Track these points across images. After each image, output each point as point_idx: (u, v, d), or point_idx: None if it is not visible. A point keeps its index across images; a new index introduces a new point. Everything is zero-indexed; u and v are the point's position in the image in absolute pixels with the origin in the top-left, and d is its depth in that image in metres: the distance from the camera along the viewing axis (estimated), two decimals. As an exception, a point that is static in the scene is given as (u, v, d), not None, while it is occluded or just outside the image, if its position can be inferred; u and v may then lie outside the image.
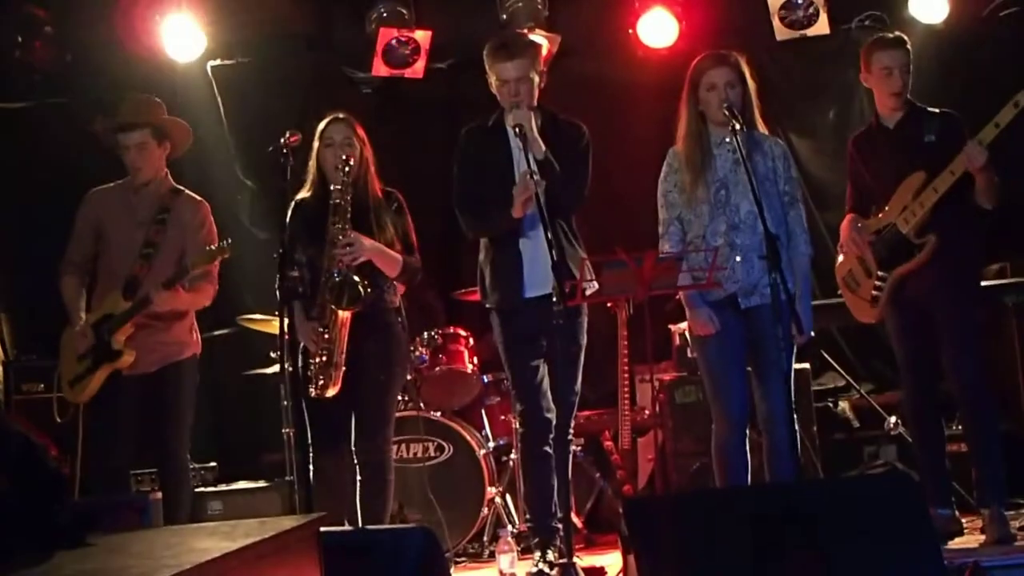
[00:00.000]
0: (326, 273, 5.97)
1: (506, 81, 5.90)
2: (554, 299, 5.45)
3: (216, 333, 7.06)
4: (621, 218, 7.13)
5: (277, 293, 5.94)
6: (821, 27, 7.76)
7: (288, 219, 6.08)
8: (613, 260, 5.49)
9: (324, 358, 5.96)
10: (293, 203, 6.15)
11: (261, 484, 7.20)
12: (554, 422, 5.91)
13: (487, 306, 6.16)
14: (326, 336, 5.96)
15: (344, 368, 5.98)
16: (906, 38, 6.23)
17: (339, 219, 5.99)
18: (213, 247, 6.25)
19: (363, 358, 6.07)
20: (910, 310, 6.15)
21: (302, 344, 6.00)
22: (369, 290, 5.95)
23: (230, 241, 6.23)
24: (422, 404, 7.26)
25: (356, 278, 5.92)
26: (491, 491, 7.09)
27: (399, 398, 6.90)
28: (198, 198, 6.55)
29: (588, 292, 5.70)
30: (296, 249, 6.07)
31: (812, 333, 5.93)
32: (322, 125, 6.19)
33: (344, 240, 5.97)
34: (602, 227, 6.34)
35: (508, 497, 7.27)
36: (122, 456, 6.38)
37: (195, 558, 2.94)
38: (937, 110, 6.21)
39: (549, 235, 5.53)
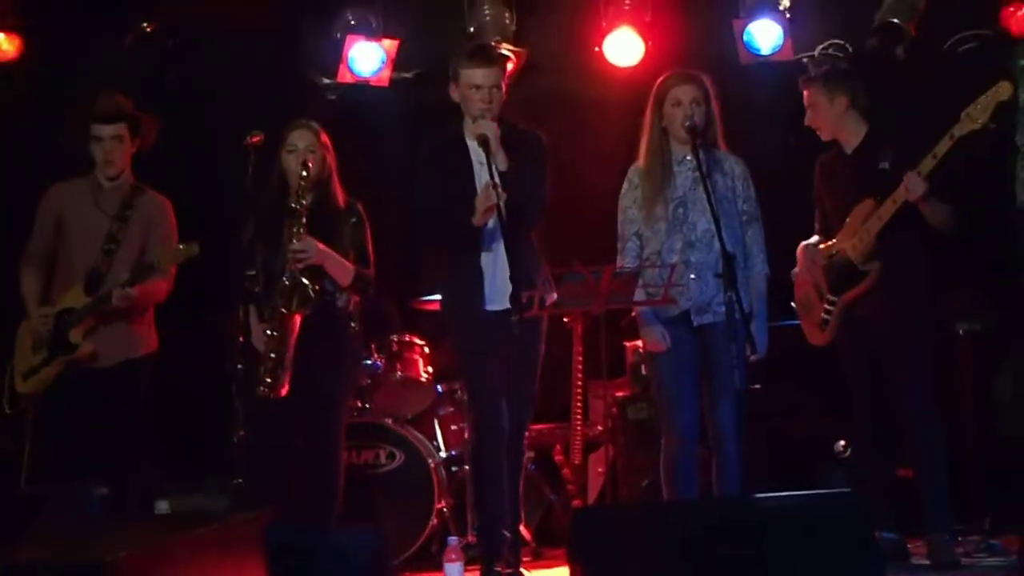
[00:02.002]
0: (279, 275, 5.97)
1: (479, 87, 5.90)
2: (511, 309, 5.48)
3: (169, 331, 7.01)
4: (583, 233, 7.13)
5: (239, 304, 6.01)
6: (784, 52, 7.83)
7: (248, 221, 6.11)
8: (571, 273, 5.52)
9: (273, 357, 5.95)
10: (255, 209, 6.16)
11: (209, 484, 7.15)
12: (507, 431, 5.92)
13: (449, 316, 6.17)
14: (276, 338, 5.96)
15: (292, 371, 5.97)
16: (818, 73, 6.36)
17: (294, 222, 5.99)
18: (181, 246, 6.26)
19: (314, 363, 6.07)
20: (860, 336, 6.21)
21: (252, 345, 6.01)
22: (318, 289, 5.95)
23: (198, 244, 6.23)
24: (375, 411, 7.26)
25: (306, 281, 5.93)
26: (440, 501, 7.08)
27: (352, 403, 6.91)
28: (161, 196, 6.58)
29: (547, 303, 5.72)
30: (253, 250, 6.08)
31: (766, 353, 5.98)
32: (285, 131, 6.20)
33: (297, 244, 5.97)
34: (564, 242, 6.34)
35: (457, 507, 7.25)
36: (71, 450, 6.36)
37: (140, 544, 2.93)
38: (894, 138, 6.28)
39: (509, 245, 5.56)
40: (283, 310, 5.95)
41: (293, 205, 6.01)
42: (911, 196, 5.92)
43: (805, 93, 6.33)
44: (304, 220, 6.00)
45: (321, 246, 6.04)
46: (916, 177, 5.89)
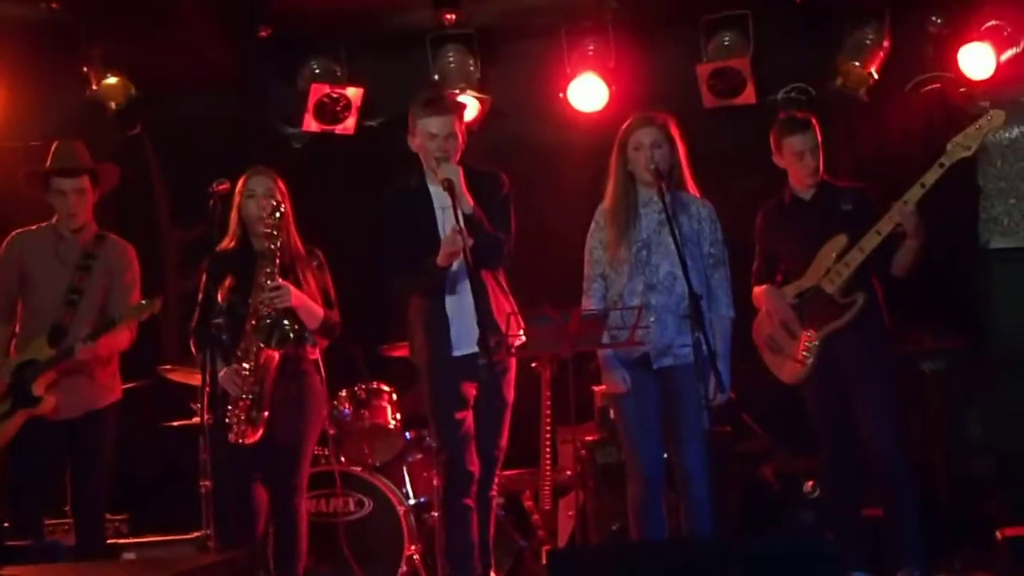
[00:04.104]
0: (254, 316, 5.96)
1: (434, 136, 5.90)
2: (479, 353, 5.47)
3: (135, 384, 6.97)
4: (548, 278, 7.15)
5: (193, 340, 5.99)
6: (748, 96, 7.89)
7: (209, 268, 6.10)
8: (539, 315, 5.51)
9: (248, 400, 5.93)
10: (214, 254, 6.14)
11: (176, 536, 7.11)
12: (476, 476, 5.89)
13: (416, 362, 6.15)
14: (251, 378, 5.94)
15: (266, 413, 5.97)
16: (812, 119, 6.35)
17: (267, 264, 5.99)
18: (143, 302, 6.26)
19: (279, 410, 6.05)
20: (827, 376, 6.23)
21: (221, 391, 5.96)
22: (296, 328, 5.94)
23: (159, 299, 6.22)
24: (343, 458, 7.22)
25: (286, 321, 5.92)
26: (410, 548, 7.04)
27: (319, 452, 6.87)
28: (124, 242, 6.56)
29: (514, 346, 5.71)
30: (217, 298, 6.05)
31: (732, 395, 5.99)
32: (243, 177, 6.22)
33: (272, 284, 5.97)
34: (530, 286, 6.35)
35: (427, 554, 7.21)
36: (36, 502, 6.32)
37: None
38: (847, 184, 6.35)
39: (476, 288, 5.56)
40: (262, 345, 5.93)
41: (268, 245, 6.01)
42: (907, 225, 5.99)
43: (803, 138, 6.28)
44: (277, 262, 6.00)
45: (294, 289, 6.04)
46: (904, 206, 5.97)
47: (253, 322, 5.97)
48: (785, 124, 6.39)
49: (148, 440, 7.71)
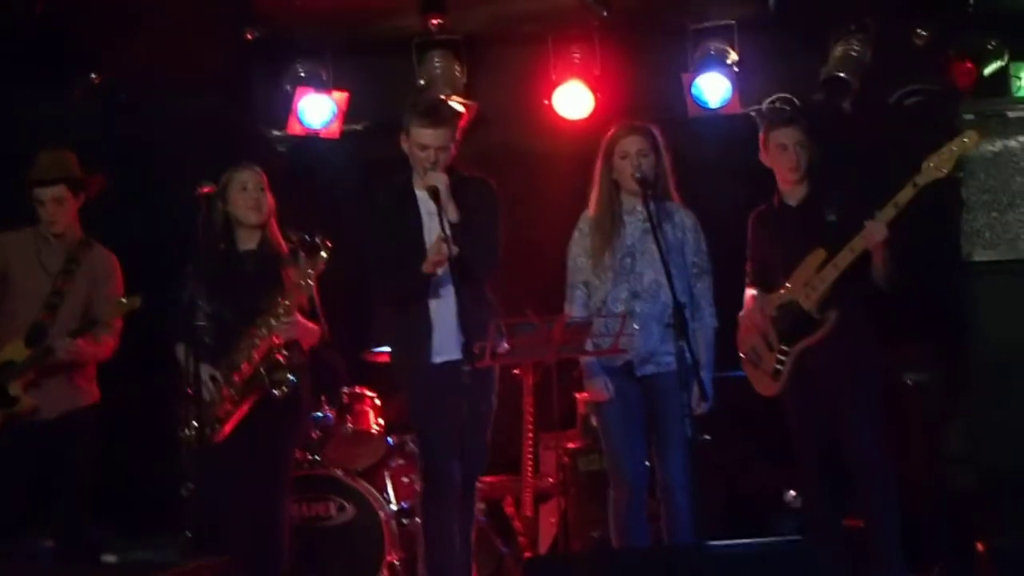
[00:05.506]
0: (256, 349, 5.99)
1: (426, 147, 5.87)
2: (463, 359, 5.47)
3: (118, 385, 6.95)
4: (533, 284, 7.15)
5: (171, 331, 5.95)
6: (733, 106, 7.91)
7: (195, 269, 6.08)
8: (524, 323, 5.51)
9: (214, 416, 5.93)
10: (200, 255, 6.13)
11: (158, 539, 7.09)
12: (457, 481, 5.89)
13: (397, 369, 6.15)
14: (234, 396, 5.95)
15: (238, 424, 5.98)
16: (801, 118, 6.36)
17: (289, 299, 5.99)
18: (123, 300, 6.24)
19: (260, 414, 6.05)
20: (809, 386, 6.23)
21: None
22: (293, 384, 5.94)
23: (139, 296, 6.21)
24: (325, 463, 7.21)
25: (294, 377, 5.94)
26: (391, 554, 7.03)
27: (301, 456, 6.87)
28: (108, 251, 6.56)
29: (499, 353, 5.71)
30: (200, 299, 6.03)
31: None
32: (231, 172, 6.22)
33: (287, 319, 5.98)
34: (514, 293, 6.35)
35: (408, 560, 7.20)
36: (16, 503, 6.29)
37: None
38: (840, 190, 6.34)
39: (460, 296, 5.56)
40: (262, 372, 5.95)
41: (303, 283, 5.99)
42: (871, 241, 5.96)
43: (789, 131, 6.30)
44: (299, 301, 6.03)
45: (300, 320, 6.05)
46: (876, 224, 5.95)
47: (256, 357, 5.97)
48: (773, 119, 6.43)
49: (130, 443, 7.68)
